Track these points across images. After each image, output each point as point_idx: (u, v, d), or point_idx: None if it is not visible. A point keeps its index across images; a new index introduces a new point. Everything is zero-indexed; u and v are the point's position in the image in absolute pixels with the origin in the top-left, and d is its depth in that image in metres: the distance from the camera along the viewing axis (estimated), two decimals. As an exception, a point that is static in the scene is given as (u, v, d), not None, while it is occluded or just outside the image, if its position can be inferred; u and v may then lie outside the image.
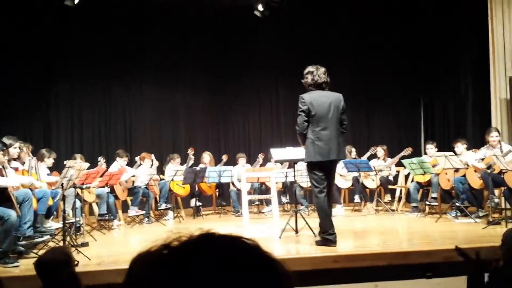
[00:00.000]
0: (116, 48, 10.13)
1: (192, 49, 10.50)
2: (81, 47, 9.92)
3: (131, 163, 8.66)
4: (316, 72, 5.31)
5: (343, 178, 8.87)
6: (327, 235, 5.25)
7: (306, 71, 5.37)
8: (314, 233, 5.66)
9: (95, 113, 10.44)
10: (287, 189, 9.14)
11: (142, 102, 10.66)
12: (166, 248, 0.65)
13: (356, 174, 8.52)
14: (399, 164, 8.75)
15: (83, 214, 6.73)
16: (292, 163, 6.86)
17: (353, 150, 9.17)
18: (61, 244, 5.23)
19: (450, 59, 10.07)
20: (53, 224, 5.94)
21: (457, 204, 7.20)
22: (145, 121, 10.67)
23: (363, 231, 6.83)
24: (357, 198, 8.71)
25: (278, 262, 0.67)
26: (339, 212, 8.50)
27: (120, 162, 8.24)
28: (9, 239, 4.79)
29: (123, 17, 9.97)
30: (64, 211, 5.57)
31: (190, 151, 9.19)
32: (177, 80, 10.74)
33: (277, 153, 6.16)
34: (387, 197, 8.80)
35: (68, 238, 5.44)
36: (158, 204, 8.70)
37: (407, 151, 8.65)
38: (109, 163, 8.45)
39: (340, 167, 8.76)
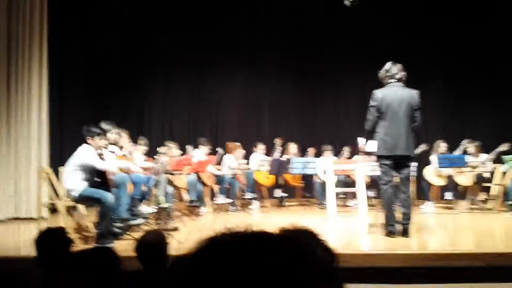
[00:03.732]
0: (205, 42, 10.37)
1: (278, 40, 10.50)
2: (176, 41, 10.27)
3: (214, 153, 8.87)
4: (391, 68, 5.46)
5: (439, 177, 8.49)
6: (388, 226, 5.47)
7: (384, 67, 5.53)
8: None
9: (185, 103, 10.78)
10: (374, 183, 8.91)
11: (229, 93, 10.82)
12: (212, 240, 0.68)
13: (449, 170, 8.09)
14: (495, 160, 8.25)
15: (174, 200, 6.97)
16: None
17: (442, 144, 8.74)
18: (154, 227, 5.45)
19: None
20: (146, 208, 6.20)
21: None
22: (232, 112, 10.83)
23: (456, 230, 6.53)
24: (448, 196, 8.32)
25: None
26: (428, 209, 8.19)
27: (202, 150, 8.43)
28: (106, 221, 5.06)
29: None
30: (157, 197, 5.79)
31: (278, 142, 9.19)
32: (264, 71, 10.80)
33: (370, 144, 5.97)
34: (482, 196, 8.31)
35: (160, 222, 5.66)
36: (244, 193, 8.81)
37: (504, 146, 8.12)
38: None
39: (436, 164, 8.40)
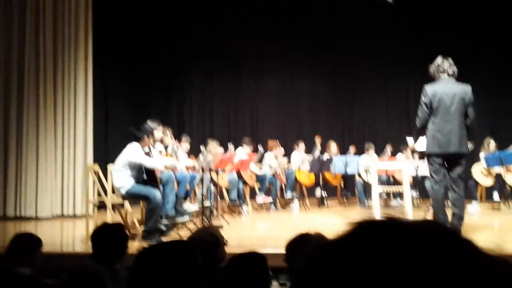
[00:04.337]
0: (243, 42, 10.41)
1: (319, 37, 10.43)
2: (214, 42, 10.33)
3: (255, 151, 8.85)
4: (443, 62, 5.20)
5: (487, 176, 8.25)
6: None
7: (435, 62, 5.28)
8: None
9: (224, 103, 10.84)
10: (417, 183, 8.73)
11: (268, 90, 10.82)
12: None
13: (498, 168, 7.86)
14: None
15: (218, 198, 7.00)
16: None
17: (492, 141, 8.48)
18: (199, 225, 5.48)
19: None
20: (190, 206, 6.24)
21: None
22: (271, 109, 10.83)
23: (503, 231, 6.33)
24: (495, 195, 8.07)
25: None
26: (475, 209, 7.97)
27: (245, 150, 8.43)
28: (154, 218, 5.10)
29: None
30: (202, 194, 5.82)
31: (317, 139, 9.11)
32: (303, 69, 10.76)
33: (420, 142, 5.78)
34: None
35: (204, 220, 5.69)
36: (284, 192, 8.77)
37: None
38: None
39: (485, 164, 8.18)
